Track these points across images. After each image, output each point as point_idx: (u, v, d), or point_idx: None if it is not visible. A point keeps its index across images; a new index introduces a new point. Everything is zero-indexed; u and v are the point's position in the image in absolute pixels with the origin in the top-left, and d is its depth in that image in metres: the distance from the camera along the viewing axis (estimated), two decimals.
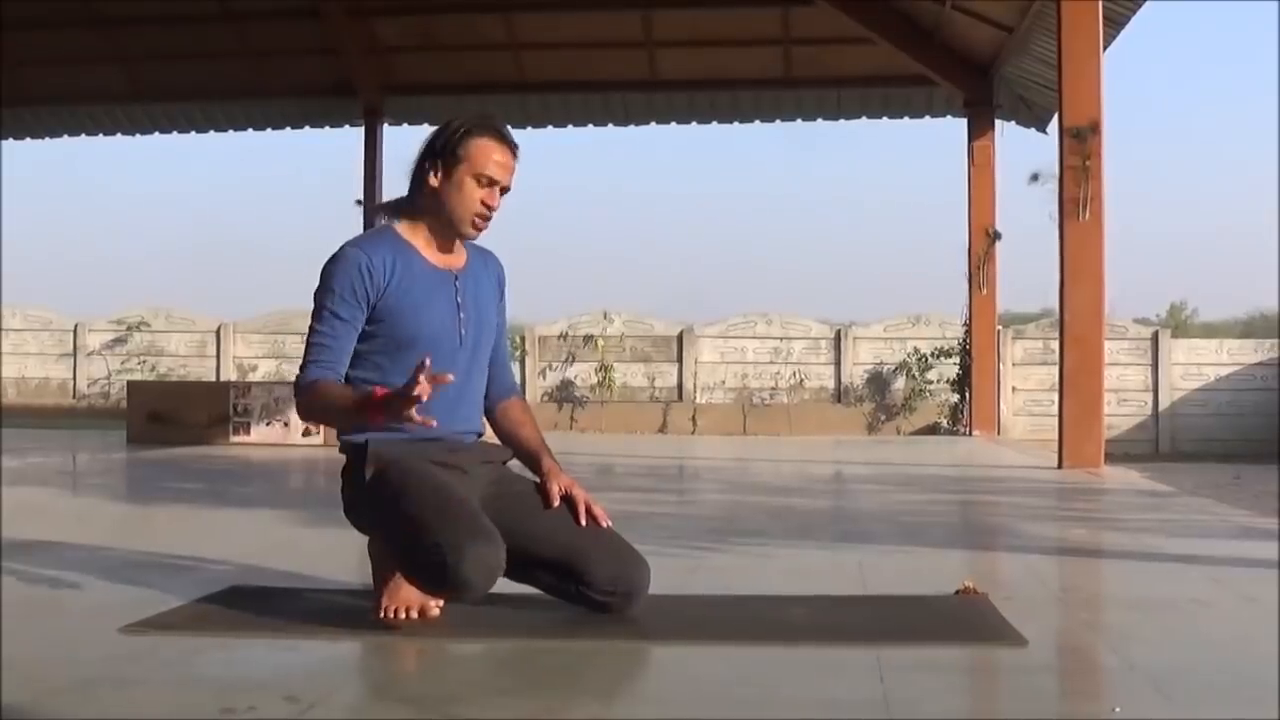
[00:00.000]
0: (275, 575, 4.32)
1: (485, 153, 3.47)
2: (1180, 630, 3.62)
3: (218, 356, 20.84)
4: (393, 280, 3.45)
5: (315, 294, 3.47)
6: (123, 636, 3.32)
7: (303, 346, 3.51)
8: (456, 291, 3.54)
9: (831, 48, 15.72)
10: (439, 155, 3.48)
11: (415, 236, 3.53)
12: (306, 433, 12.12)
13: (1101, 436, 9.68)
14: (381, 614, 3.41)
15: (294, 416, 12.17)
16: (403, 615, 3.39)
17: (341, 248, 3.48)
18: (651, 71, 16.36)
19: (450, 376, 3.18)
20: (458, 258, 3.59)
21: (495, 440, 3.73)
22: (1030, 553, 5.26)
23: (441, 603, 3.43)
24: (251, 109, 17.32)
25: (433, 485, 3.34)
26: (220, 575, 4.25)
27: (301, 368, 3.45)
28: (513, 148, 3.53)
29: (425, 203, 3.52)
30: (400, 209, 3.58)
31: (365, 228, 14.32)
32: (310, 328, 3.48)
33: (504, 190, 3.52)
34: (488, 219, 3.52)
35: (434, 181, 3.48)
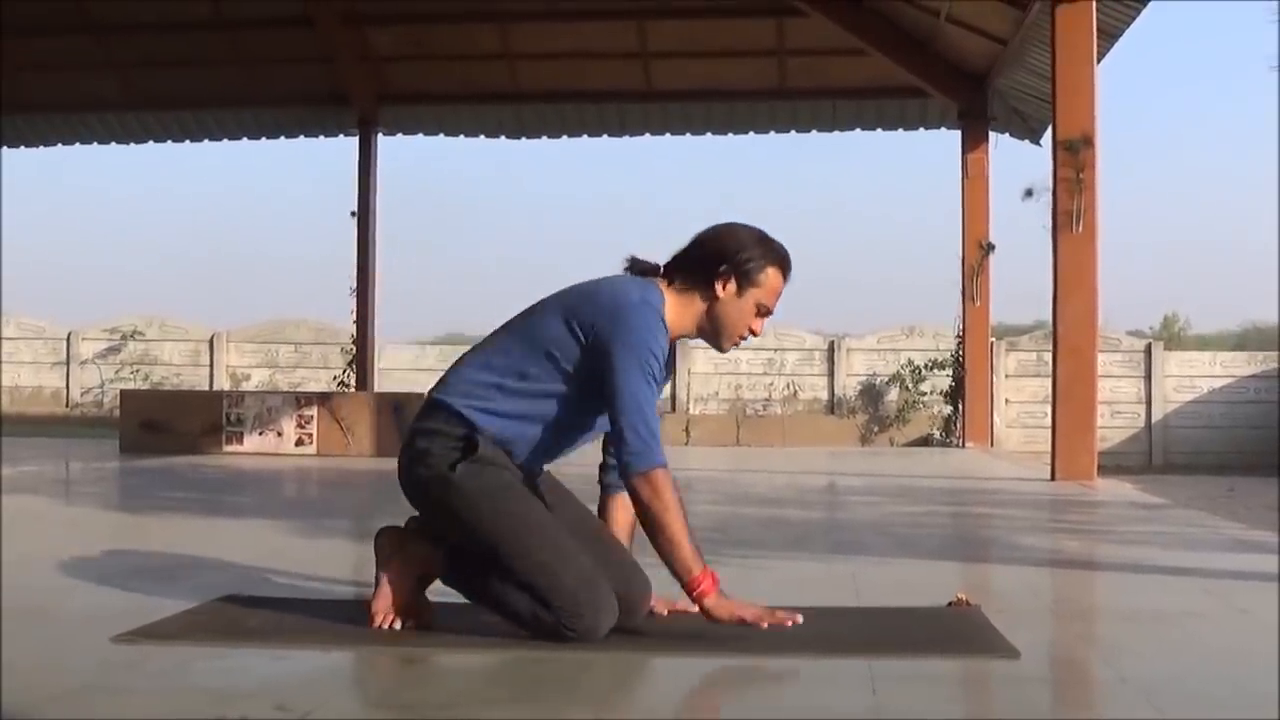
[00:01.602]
0: (267, 584, 4.31)
1: (775, 287, 3.54)
2: (1173, 642, 3.63)
3: (211, 365, 20.82)
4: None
5: (632, 347, 3.34)
6: (115, 645, 3.31)
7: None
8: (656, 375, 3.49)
9: (826, 59, 15.73)
10: (735, 270, 3.49)
11: (671, 313, 3.48)
12: (299, 442, 12.12)
13: (1095, 448, 9.68)
14: (376, 621, 3.44)
15: (289, 426, 12.16)
16: (393, 624, 3.42)
17: (647, 300, 3.41)
18: (646, 82, 16.36)
19: (799, 618, 3.28)
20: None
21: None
22: (1023, 564, 5.27)
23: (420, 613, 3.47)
24: (245, 117, 17.29)
25: (554, 526, 3.40)
26: (212, 584, 4.24)
27: (646, 436, 3.33)
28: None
29: (700, 297, 3.52)
30: (672, 281, 3.52)
31: (360, 235, 14.19)
32: (635, 390, 3.32)
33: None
34: (744, 341, 3.61)
35: (721, 291, 3.49)
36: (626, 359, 3.32)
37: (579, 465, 3.83)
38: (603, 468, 3.70)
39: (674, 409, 19.20)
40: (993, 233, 14.91)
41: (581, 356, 3.38)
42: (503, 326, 3.57)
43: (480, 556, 3.40)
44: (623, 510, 3.66)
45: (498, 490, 3.38)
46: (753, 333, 3.56)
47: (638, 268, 3.57)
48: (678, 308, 3.50)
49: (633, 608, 3.44)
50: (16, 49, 15.69)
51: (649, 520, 3.29)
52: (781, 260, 3.55)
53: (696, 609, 3.39)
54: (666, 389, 19.20)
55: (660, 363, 3.39)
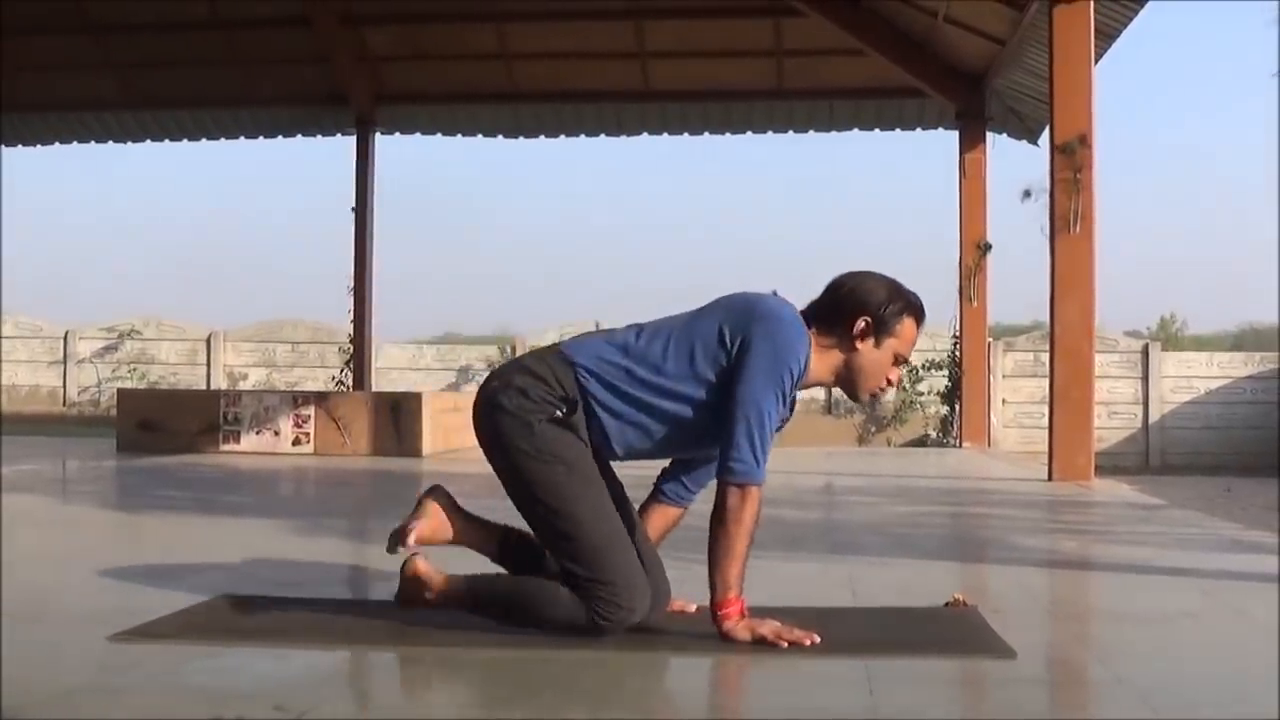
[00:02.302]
0: (264, 584, 4.31)
1: (911, 336, 3.56)
2: (1169, 643, 3.63)
3: (208, 365, 20.83)
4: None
5: (774, 358, 3.33)
6: (111, 645, 3.31)
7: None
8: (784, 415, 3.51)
9: (823, 59, 15.73)
10: (876, 322, 3.48)
11: (811, 357, 3.45)
12: (296, 441, 12.11)
13: (1092, 449, 9.69)
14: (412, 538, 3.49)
15: (286, 425, 12.16)
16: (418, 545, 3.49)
17: (803, 331, 3.41)
18: (644, 82, 16.36)
19: (817, 639, 3.26)
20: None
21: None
22: (1020, 565, 5.26)
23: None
24: (243, 117, 17.27)
25: (614, 513, 3.41)
26: (209, 583, 4.24)
27: (759, 450, 3.31)
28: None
29: (838, 348, 3.51)
30: (820, 329, 3.50)
31: (357, 235, 14.21)
32: (761, 398, 3.31)
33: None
34: (883, 392, 3.61)
35: (860, 341, 3.49)
36: (765, 367, 3.31)
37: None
38: (665, 472, 3.71)
39: None
40: (990, 233, 14.91)
41: (726, 364, 3.35)
42: (661, 319, 3.53)
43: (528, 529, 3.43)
44: (661, 518, 3.68)
45: (575, 460, 3.37)
46: (889, 383, 3.57)
47: (810, 314, 3.53)
48: (817, 352, 3.47)
49: (655, 609, 3.46)
50: (15, 49, 15.69)
51: (722, 528, 3.29)
52: (917, 311, 3.57)
53: (694, 609, 3.39)
54: None
55: (794, 382, 3.37)
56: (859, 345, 3.49)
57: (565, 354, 3.45)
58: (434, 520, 3.59)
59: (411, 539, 3.50)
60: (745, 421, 3.28)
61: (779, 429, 3.42)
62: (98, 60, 16.57)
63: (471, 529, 3.66)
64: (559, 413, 3.36)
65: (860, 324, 3.47)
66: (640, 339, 3.45)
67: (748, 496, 3.29)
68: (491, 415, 3.42)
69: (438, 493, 3.66)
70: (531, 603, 3.39)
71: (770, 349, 3.32)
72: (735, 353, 3.34)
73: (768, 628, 3.28)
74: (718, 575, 3.28)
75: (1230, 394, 19.94)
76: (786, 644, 3.23)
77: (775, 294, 3.53)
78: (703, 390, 3.37)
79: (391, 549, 3.53)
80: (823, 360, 3.50)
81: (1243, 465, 18.89)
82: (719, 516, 3.29)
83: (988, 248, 14.85)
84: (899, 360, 3.55)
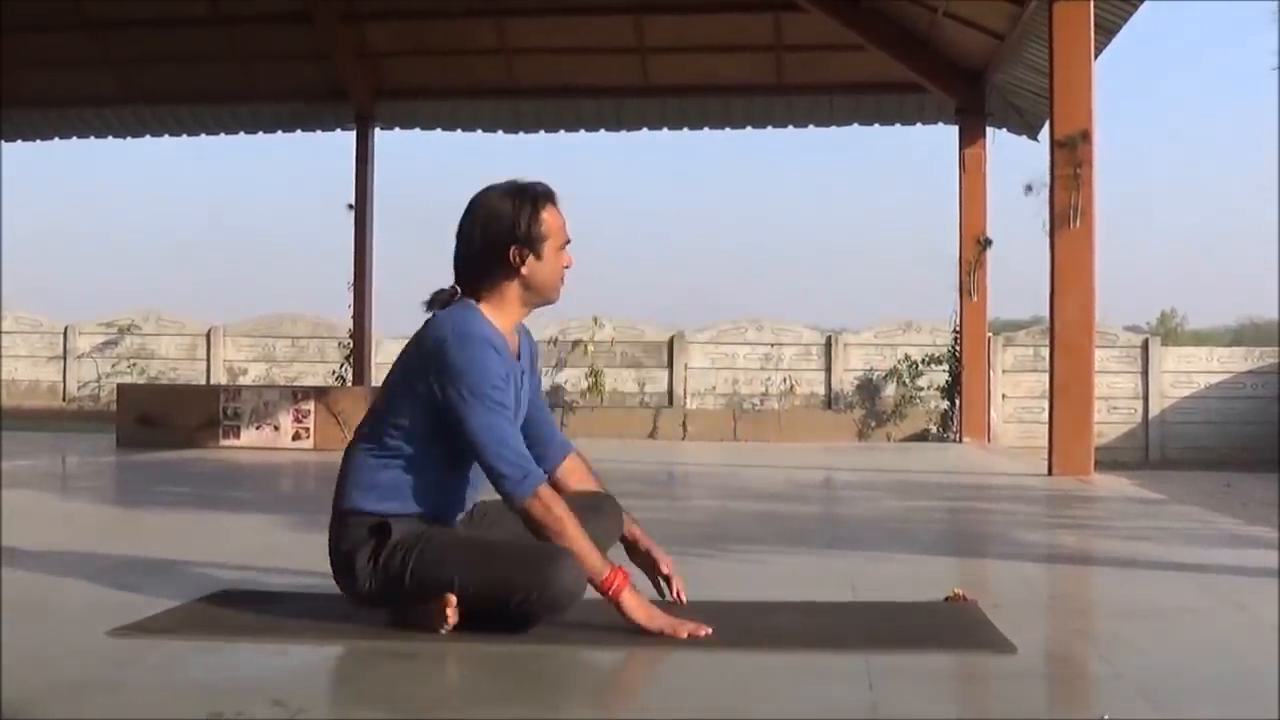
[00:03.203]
0: (264, 579, 4.31)
1: (558, 222, 3.56)
2: (1169, 638, 3.63)
3: (208, 359, 20.80)
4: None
5: (469, 389, 3.37)
6: (111, 639, 3.31)
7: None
8: (518, 386, 3.55)
9: (823, 54, 15.71)
10: (522, 241, 3.50)
11: (496, 317, 3.51)
12: (296, 436, 12.11)
13: (1091, 444, 9.68)
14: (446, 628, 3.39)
15: (285, 420, 12.16)
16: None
17: (470, 330, 3.43)
18: (644, 77, 16.34)
19: (709, 630, 3.32)
20: (515, 341, 3.60)
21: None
22: (1020, 560, 5.27)
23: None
24: (243, 113, 17.27)
25: (484, 539, 3.52)
26: (209, 579, 4.24)
27: (517, 461, 3.37)
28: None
29: (509, 283, 3.53)
30: (478, 290, 3.53)
31: (357, 230, 14.21)
32: (485, 427, 3.37)
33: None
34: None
35: (525, 267, 3.51)
36: (468, 404, 3.38)
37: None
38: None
39: (671, 404, 19.19)
40: (990, 228, 14.91)
41: (429, 400, 3.41)
42: (380, 387, 3.65)
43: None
44: (571, 475, 3.73)
45: (424, 544, 3.40)
46: (568, 267, 3.60)
47: (440, 300, 3.56)
48: (498, 308, 3.53)
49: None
50: (14, 45, 15.67)
51: (550, 534, 3.35)
52: (544, 197, 3.57)
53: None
54: (662, 382, 19.32)
55: (505, 384, 3.42)
56: (524, 271, 3.51)
57: (342, 509, 3.51)
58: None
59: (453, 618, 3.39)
60: (487, 456, 3.38)
61: (523, 401, 3.55)
62: (97, 56, 16.55)
63: None
64: (382, 545, 3.42)
65: (513, 256, 3.50)
66: (376, 422, 3.55)
67: (543, 498, 3.36)
68: (359, 592, 3.47)
69: None
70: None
71: (459, 384, 3.38)
72: (426, 389, 3.41)
73: (665, 620, 3.32)
74: (585, 573, 3.32)
75: (1230, 389, 19.93)
76: (686, 635, 3.28)
77: (431, 296, 3.56)
78: (436, 418, 3.43)
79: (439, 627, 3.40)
80: (506, 305, 3.55)
81: (1242, 460, 18.88)
82: (540, 534, 3.36)
83: (987, 242, 14.84)
84: (564, 245, 3.57)
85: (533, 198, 3.53)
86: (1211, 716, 2.77)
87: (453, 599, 3.34)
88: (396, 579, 3.39)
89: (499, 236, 3.49)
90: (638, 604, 3.33)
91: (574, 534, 3.33)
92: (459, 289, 3.54)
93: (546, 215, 3.52)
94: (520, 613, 3.31)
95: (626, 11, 15.65)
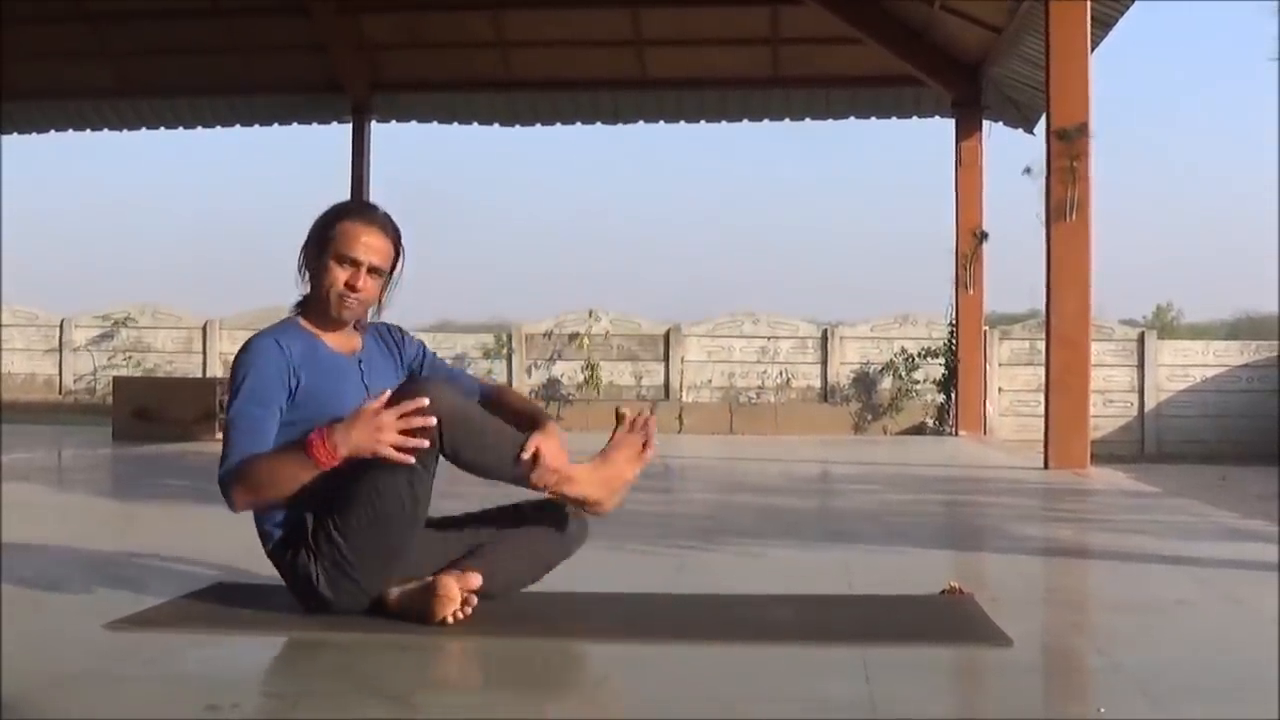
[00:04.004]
0: (260, 572, 4.30)
1: (349, 233, 3.51)
2: (1165, 631, 3.63)
3: (204, 353, 20.78)
4: (304, 367, 3.50)
5: (231, 386, 3.51)
6: (107, 633, 3.31)
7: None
8: (362, 374, 3.59)
9: (820, 47, 15.70)
10: (306, 263, 3.57)
11: (315, 326, 3.59)
12: None
13: (1088, 437, 9.68)
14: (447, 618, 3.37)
15: None
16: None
17: (250, 339, 3.54)
18: (640, 70, 16.34)
19: (426, 401, 3.25)
20: (354, 341, 3.64)
21: None
22: (1016, 553, 5.27)
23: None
24: (239, 105, 17.24)
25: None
26: (205, 572, 4.25)
27: (222, 459, 3.52)
28: (385, 229, 3.57)
29: (315, 293, 3.58)
30: (300, 303, 3.63)
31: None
32: (228, 420, 3.54)
33: (373, 270, 3.53)
34: (353, 299, 3.53)
35: (310, 269, 3.57)
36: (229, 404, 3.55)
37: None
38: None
39: (667, 397, 19.18)
40: (986, 221, 14.92)
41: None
42: None
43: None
44: (503, 404, 3.69)
45: (324, 505, 3.43)
46: (350, 287, 3.51)
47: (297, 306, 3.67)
48: (315, 319, 3.59)
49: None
50: (12, 38, 15.64)
51: (269, 503, 3.50)
52: (341, 212, 3.58)
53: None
54: (658, 375, 19.31)
55: (261, 373, 3.49)
56: (311, 275, 3.57)
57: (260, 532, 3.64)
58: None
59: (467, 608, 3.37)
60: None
61: (290, 387, 3.52)
62: (94, 48, 16.53)
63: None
64: (299, 539, 3.48)
65: (300, 272, 3.58)
66: None
67: (238, 485, 3.56)
68: (308, 591, 3.47)
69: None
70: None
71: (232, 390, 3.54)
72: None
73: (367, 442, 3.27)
74: (300, 477, 3.38)
75: (1226, 382, 19.94)
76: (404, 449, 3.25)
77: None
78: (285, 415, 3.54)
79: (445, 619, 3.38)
80: (320, 316, 3.58)
81: (1239, 453, 18.89)
82: (262, 493, 3.51)
83: (984, 236, 14.85)
84: (342, 260, 3.50)
85: (334, 211, 3.59)
86: (1206, 710, 2.77)
87: (453, 590, 3.33)
88: (335, 545, 3.38)
89: (302, 250, 3.60)
90: (343, 440, 3.28)
91: (265, 474, 3.44)
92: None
93: (341, 226, 3.53)
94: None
95: (623, 4, 15.63)
